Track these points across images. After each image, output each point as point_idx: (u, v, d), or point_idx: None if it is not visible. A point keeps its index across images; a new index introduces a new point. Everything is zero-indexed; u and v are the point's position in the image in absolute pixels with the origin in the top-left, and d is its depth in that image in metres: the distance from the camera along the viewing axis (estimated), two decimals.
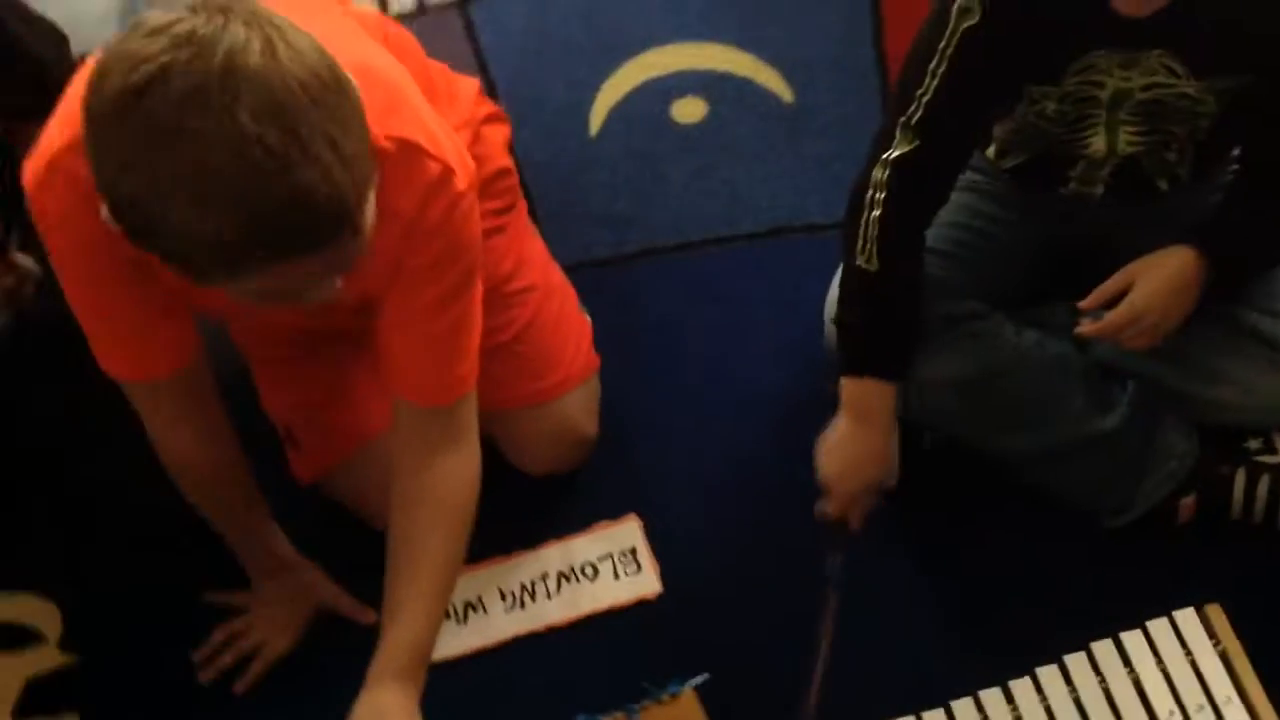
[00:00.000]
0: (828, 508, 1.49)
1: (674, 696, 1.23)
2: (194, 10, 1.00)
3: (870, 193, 1.42)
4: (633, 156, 1.95)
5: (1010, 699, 1.39)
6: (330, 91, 1.02)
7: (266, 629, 1.54)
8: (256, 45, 0.99)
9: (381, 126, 1.16)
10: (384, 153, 1.16)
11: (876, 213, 1.42)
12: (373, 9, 2.05)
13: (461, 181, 1.25)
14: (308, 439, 1.58)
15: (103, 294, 1.26)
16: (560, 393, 1.59)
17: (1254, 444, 1.48)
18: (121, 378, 1.34)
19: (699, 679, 1.25)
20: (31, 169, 1.19)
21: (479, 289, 1.32)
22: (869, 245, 1.42)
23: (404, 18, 2.13)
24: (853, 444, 1.46)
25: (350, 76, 1.05)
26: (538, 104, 2.00)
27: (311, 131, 0.99)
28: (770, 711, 1.38)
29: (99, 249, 1.21)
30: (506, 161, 1.66)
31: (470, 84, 1.67)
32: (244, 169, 0.97)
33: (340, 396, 1.57)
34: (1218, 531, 1.49)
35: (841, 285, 1.48)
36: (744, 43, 2.05)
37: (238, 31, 0.99)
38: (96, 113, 1.00)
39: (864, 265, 1.42)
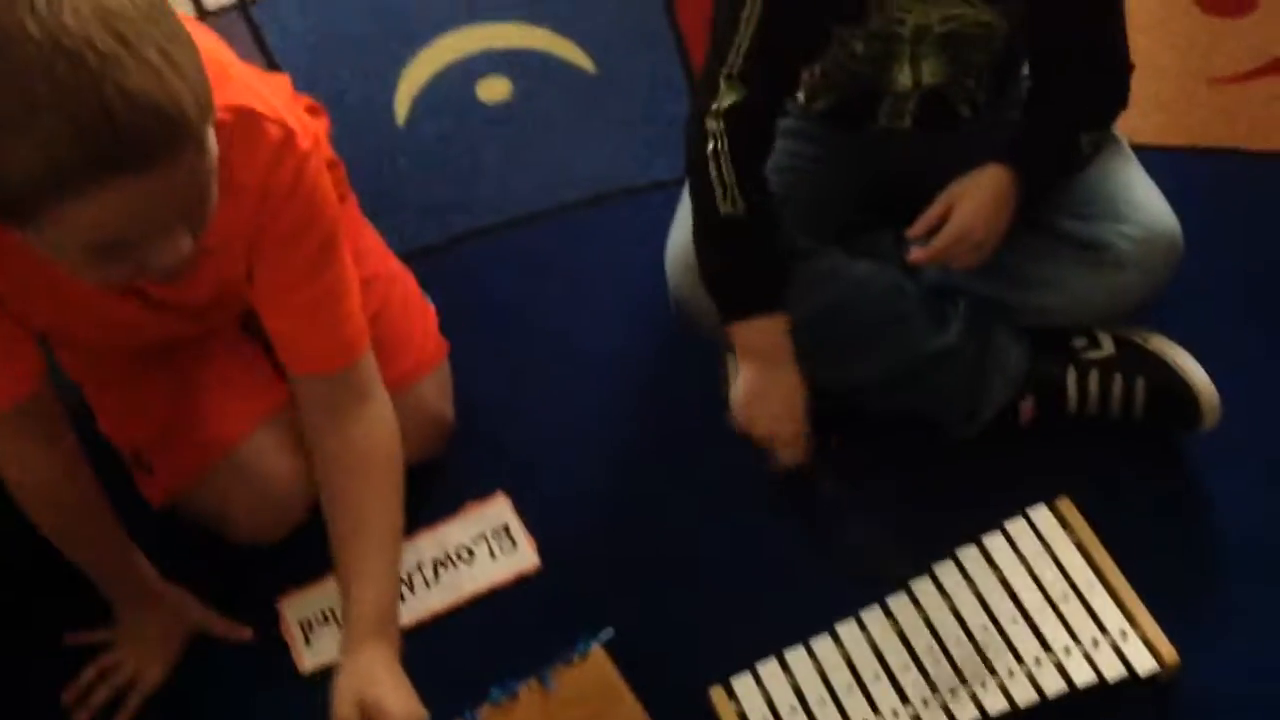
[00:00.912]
0: (781, 460, 1.52)
1: (583, 656, 1.23)
2: None
3: (711, 144, 1.45)
4: (444, 141, 1.95)
5: (890, 614, 1.45)
6: (160, 11, 0.99)
7: (139, 660, 1.48)
8: None
9: (216, 98, 1.13)
10: (222, 124, 1.13)
11: (725, 160, 1.44)
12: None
13: (305, 141, 1.23)
14: (158, 460, 1.52)
15: None
16: (414, 380, 1.57)
17: (1079, 342, 1.56)
18: None
19: (605, 635, 1.26)
20: None
21: (345, 248, 1.30)
22: (729, 190, 1.44)
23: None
24: (768, 384, 1.48)
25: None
26: (338, 100, 1.97)
27: (142, 39, 0.97)
28: (676, 659, 1.41)
29: None
30: (331, 153, 1.63)
31: (281, 79, 1.63)
32: (72, 70, 0.94)
33: (187, 412, 1.52)
34: (1057, 428, 1.57)
35: (701, 239, 1.49)
36: (537, 18, 2.07)
37: None
38: None
39: (730, 210, 1.44)
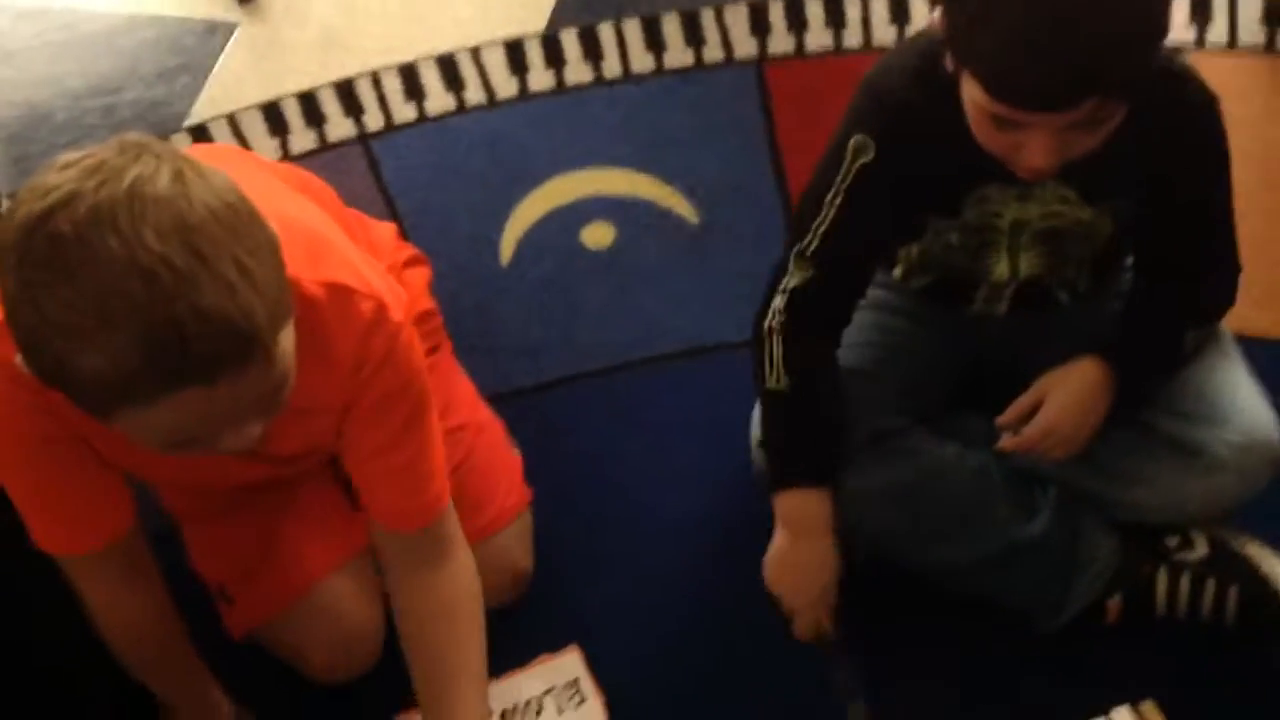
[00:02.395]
0: (797, 627, 1.50)
1: None
2: (109, 147, 1.00)
3: (769, 320, 1.48)
4: (545, 284, 1.98)
5: None
6: (240, 218, 1.01)
7: None
8: (166, 173, 0.99)
9: (310, 273, 1.17)
10: (316, 300, 1.17)
11: (777, 338, 1.47)
12: (285, 163, 2.05)
13: (397, 314, 1.26)
14: (241, 594, 1.55)
15: (36, 466, 1.25)
16: (495, 529, 1.59)
17: (1172, 541, 1.52)
18: (60, 552, 1.31)
19: None
20: None
21: (433, 410, 1.33)
22: (775, 368, 1.47)
23: (306, 155, 2.14)
24: (796, 554, 1.48)
25: (266, 219, 1.05)
26: (446, 236, 2.02)
27: (219, 253, 0.98)
28: None
29: (27, 419, 1.20)
30: (429, 304, 1.68)
31: (387, 228, 1.69)
32: (147, 288, 0.96)
33: (273, 549, 1.55)
34: (1145, 628, 1.53)
35: (761, 414, 1.52)
36: (647, 167, 2.09)
37: (148, 161, 0.99)
38: (3, 243, 0.99)
39: (774, 387, 1.47)
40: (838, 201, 1.41)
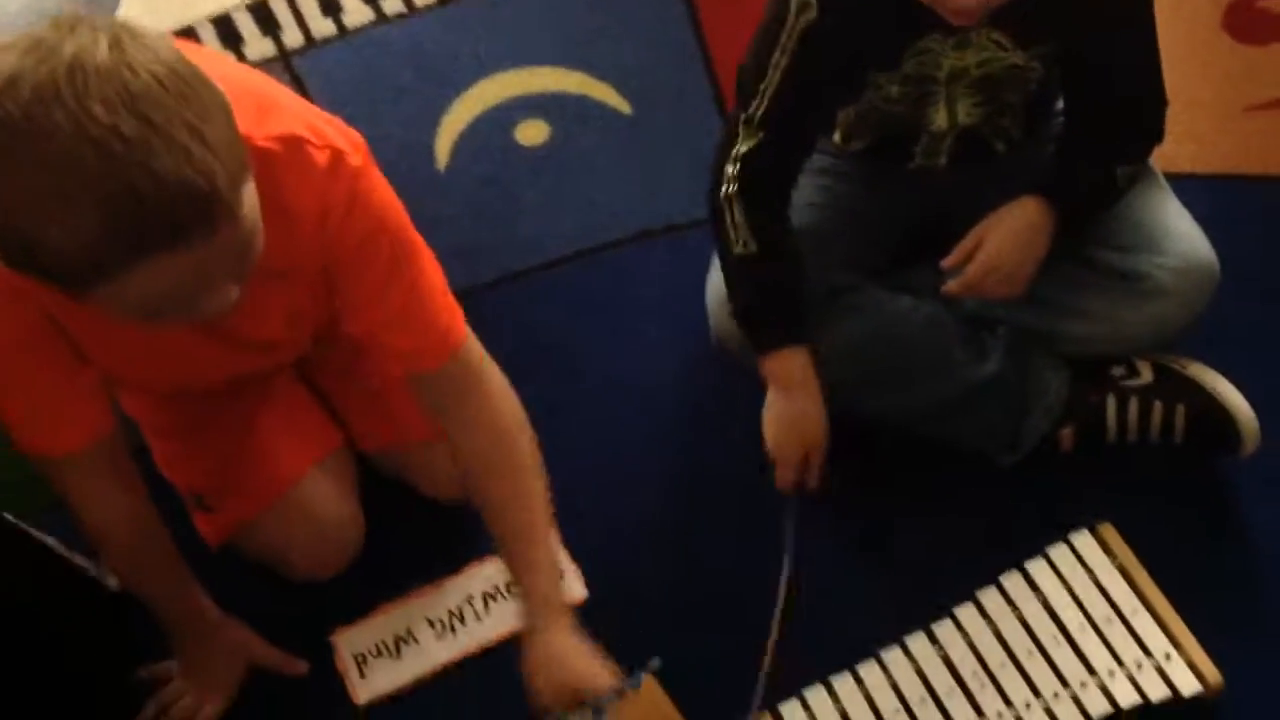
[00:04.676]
0: (781, 479, 1.55)
1: (635, 688, 1.25)
2: (44, 26, 0.99)
3: (725, 188, 1.50)
4: (484, 184, 1.99)
5: (935, 640, 1.47)
6: (186, 82, 1.00)
7: (200, 693, 1.51)
8: (104, 42, 0.98)
9: (260, 129, 1.16)
10: (269, 154, 1.16)
11: (737, 204, 1.49)
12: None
13: (354, 159, 1.24)
14: (217, 501, 1.56)
15: (16, 366, 1.25)
16: None
17: (1118, 371, 1.58)
18: (42, 453, 1.31)
19: (654, 664, 1.28)
20: None
21: (418, 244, 1.32)
22: (741, 233, 1.49)
23: None
24: (786, 410, 1.51)
25: (212, 80, 1.03)
26: (380, 147, 1.89)
27: (169, 119, 0.97)
28: (726, 687, 1.42)
29: (8, 318, 1.20)
30: None
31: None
32: (100, 160, 0.95)
33: (248, 453, 1.56)
34: (1098, 456, 1.59)
35: (727, 282, 1.54)
36: (573, 63, 2.11)
37: (85, 33, 0.98)
38: None
39: (743, 252, 1.49)
40: (783, 63, 1.44)
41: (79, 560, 1.56)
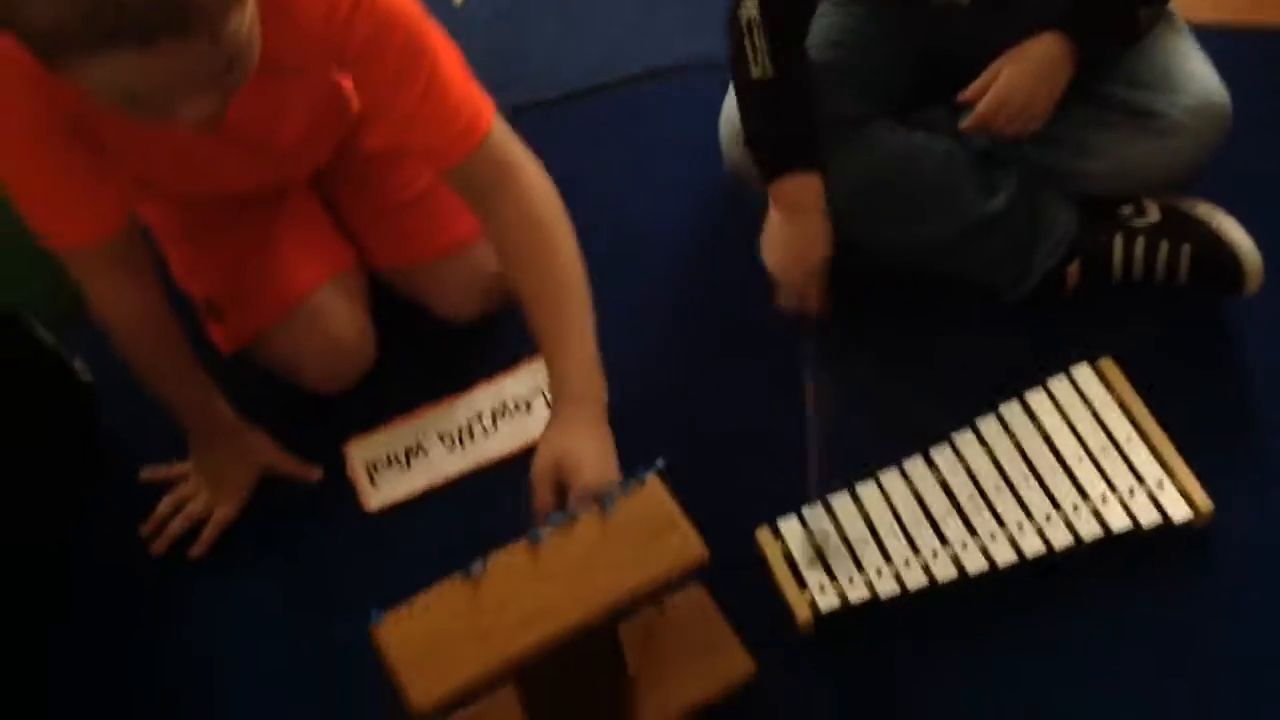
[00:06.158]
0: (785, 299, 1.56)
1: (640, 483, 1.27)
2: None
3: (745, 14, 1.50)
4: (499, 18, 1.99)
5: (932, 464, 1.50)
6: None
7: (213, 494, 1.55)
8: None
9: None
10: None
11: (759, 27, 1.49)
12: None
13: None
14: (231, 309, 1.59)
15: (35, 155, 1.27)
16: (476, 239, 1.63)
17: (1127, 210, 1.59)
18: (64, 243, 1.34)
19: (659, 464, 1.30)
20: None
21: (433, 36, 1.31)
22: (760, 56, 1.49)
23: None
24: (791, 230, 1.53)
25: None
26: None
27: None
28: (724, 503, 1.44)
29: (27, 106, 1.23)
30: None
31: None
32: None
33: (264, 263, 1.58)
34: (1103, 292, 1.61)
35: (742, 108, 1.55)
36: None
37: None
38: None
39: (760, 76, 1.49)
40: None
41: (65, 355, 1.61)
